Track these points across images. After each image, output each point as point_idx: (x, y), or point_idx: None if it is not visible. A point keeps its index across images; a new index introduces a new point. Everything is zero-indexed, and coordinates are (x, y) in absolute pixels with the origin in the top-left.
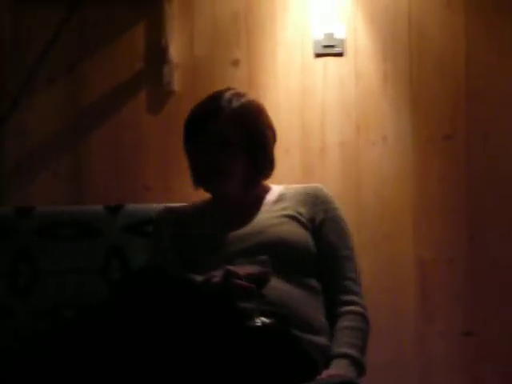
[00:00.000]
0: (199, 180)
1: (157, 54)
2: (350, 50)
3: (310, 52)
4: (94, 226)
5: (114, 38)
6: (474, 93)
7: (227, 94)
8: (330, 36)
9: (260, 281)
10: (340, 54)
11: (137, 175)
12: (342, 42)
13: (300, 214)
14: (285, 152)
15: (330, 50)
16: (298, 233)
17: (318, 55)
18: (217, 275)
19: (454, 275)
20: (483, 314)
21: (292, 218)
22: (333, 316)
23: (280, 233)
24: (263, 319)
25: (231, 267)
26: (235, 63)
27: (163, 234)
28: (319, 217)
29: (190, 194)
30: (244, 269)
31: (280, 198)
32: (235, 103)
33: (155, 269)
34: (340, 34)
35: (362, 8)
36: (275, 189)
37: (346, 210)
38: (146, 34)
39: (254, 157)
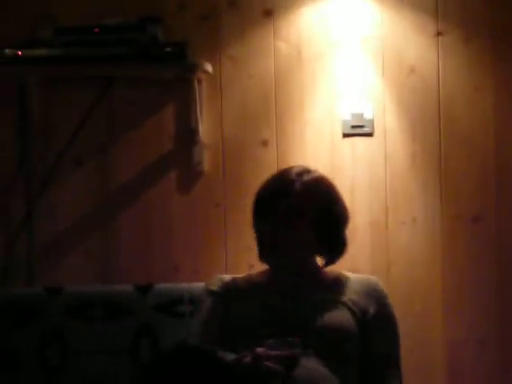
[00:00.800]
0: (262, 254)
1: (186, 134)
2: (378, 130)
3: (339, 132)
4: (125, 305)
5: (144, 118)
6: (503, 173)
7: (297, 169)
8: (358, 116)
9: (289, 362)
10: (369, 134)
11: (166, 255)
12: (370, 121)
13: (353, 302)
14: None
15: (358, 130)
16: (347, 321)
17: (347, 135)
18: (247, 355)
19: (484, 357)
20: None
21: (344, 304)
22: None
23: (332, 319)
24: None
25: (260, 349)
26: (264, 143)
27: (214, 309)
28: (372, 310)
29: (217, 274)
30: (273, 350)
31: (336, 283)
32: (306, 177)
33: (188, 348)
34: (368, 113)
35: (390, 88)
36: (330, 272)
37: None
38: (176, 114)
39: (326, 234)
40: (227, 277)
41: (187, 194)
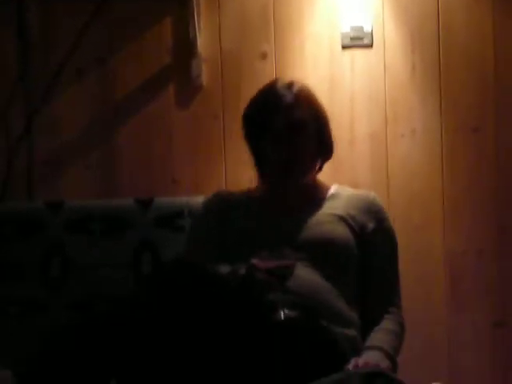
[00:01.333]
0: (271, 172)
1: (185, 48)
2: (377, 42)
3: (338, 44)
4: (126, 219)
5: (143, 31)
6: (502, 83)
7: (281, 83)
8: (357, 28)
9: (283, 273)
10: (368, 46)
11: (165, 168)
12: (369, 33)
13: (351, 216)
14: None
15: (357, 42)
16: (342, 233)
17: (346, 47)
18: (242, 268)
19: (483, 266)
20: None
21: (341, 218)
22: (372, 321)
23: (325, 231)
24: (287, 312)
25: (255, 260)
26: (263, 56)
27: (207, 222)
28: (371, 225)
29: (217, 187)
30: (267, 262)
31: (332, 197)
32: (294, 89)
33: (184, 263)
34: (367, 26)
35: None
36: (329, 187)
37: None
38: (174, 28)
39: (321, 137)
40: (224, 191)
41: (186, 108)
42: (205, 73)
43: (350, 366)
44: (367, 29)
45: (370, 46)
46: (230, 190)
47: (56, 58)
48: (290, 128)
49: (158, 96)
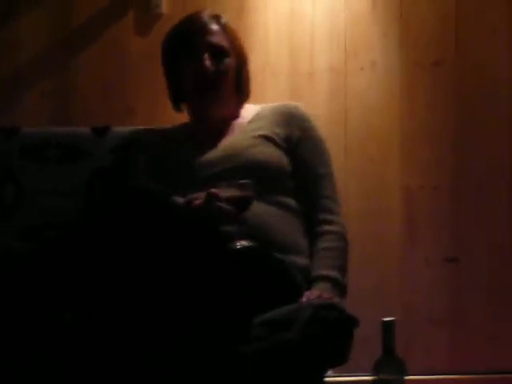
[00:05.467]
0: (192, 95)
1: None
2: None
3: None
4: (81, 147)
5: None
6: (463, 18)
7: (207, 13)
8: None
9: (242, 204)
10: None
11: (123, 97)
12: None
13: (276, 133)
14: (272, 76)
15: None
16: (272, 154)
17: None
18: (198, 198)
19: (439, 201)
20: (468, 240)
21: (267, 138)
22: (312, 236)
23: (254, 155)
24: (243, 242)
25: (214, 190)
26: None
27: (139, 157)
28: (295, 135)
29: (174, 117)
30: (226, 192)
31: (256, 118)
32: (222, 20)
33: (139, 188)
34: None
35: None
36: (251, 108)
37: (332, 135)
38: None
39: (239, 74)
40: (150, 128)
41: (145, 36)
42: (165, 1)
43: (304, 299)
44: None
45: None
46: (154, 128)
47: None
48: (214, 51)
49: (117, 23)
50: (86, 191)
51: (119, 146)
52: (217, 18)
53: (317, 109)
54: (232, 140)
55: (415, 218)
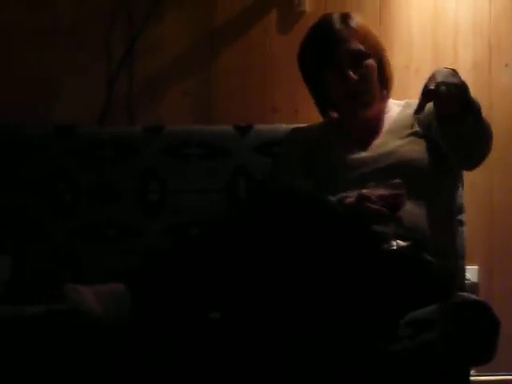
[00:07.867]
0: (340, 104)
1: None
2: None
3: None
4: (224, 146)
5: None
6: None
7: (336, 17)
8: None
9: (394, 204)
10: None
11: (265, 96)
12: None
13: (424, 126)
14: (415, 72)
15: None
16: (423, 152)
17: None
18: (350, 197)
19: None
20: None
21: (417, 135)
22: None
23: (408, 154)
24: (399, 242)
25: (365, 191)
26: None
27: (293, 155)
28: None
29: (316, 116)
30: (377, 192)
31: (402, 115)
32: (352, 21)
33: (289, 187)
34: None
35: None
36: (396, 104)
37: None
38: None
39: (382, 68)
40: (301, 126)
41: (288, 34)
42: None
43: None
44: None
45: None
46: (305, 126)
47: None
48: (353, 58)
49: (259, 22)
50: (228, 190)
51: (262, 144)
52: (347, 20)
53: None
54: (383, 140)
55: None
